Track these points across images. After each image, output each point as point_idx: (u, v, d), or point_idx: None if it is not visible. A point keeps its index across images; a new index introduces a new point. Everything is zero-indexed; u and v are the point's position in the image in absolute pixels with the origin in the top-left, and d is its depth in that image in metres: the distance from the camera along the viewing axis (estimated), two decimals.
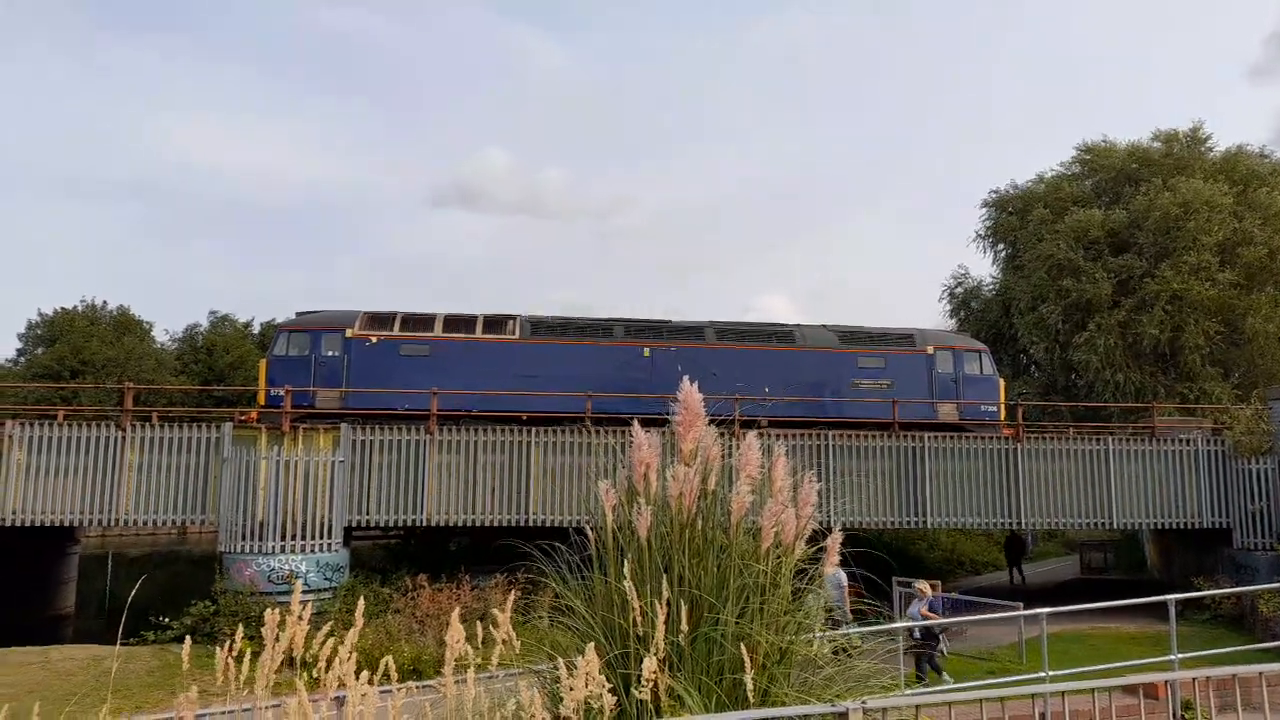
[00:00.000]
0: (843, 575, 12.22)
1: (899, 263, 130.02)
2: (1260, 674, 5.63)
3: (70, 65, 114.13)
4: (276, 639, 3.97)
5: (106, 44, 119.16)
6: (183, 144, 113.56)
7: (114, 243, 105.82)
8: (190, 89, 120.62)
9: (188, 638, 4.28)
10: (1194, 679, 6.00)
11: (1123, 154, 35.18)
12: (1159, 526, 22.99)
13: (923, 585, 15.65)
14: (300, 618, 3.99)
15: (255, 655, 3.97)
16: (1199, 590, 17.86)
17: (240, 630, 4.13)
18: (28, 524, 18.48)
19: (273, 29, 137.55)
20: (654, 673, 3.98)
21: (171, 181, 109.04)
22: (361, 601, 4.53)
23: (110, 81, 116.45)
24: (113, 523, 19.06)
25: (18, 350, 52.48)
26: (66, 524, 19.06)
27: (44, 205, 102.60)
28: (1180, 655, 10.89)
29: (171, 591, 23.40)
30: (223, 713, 4.29)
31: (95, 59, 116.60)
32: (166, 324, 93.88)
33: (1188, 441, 22.65)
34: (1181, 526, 22.56)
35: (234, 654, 3.95)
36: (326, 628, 4.19)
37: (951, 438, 22.38)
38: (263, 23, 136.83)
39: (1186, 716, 10.09)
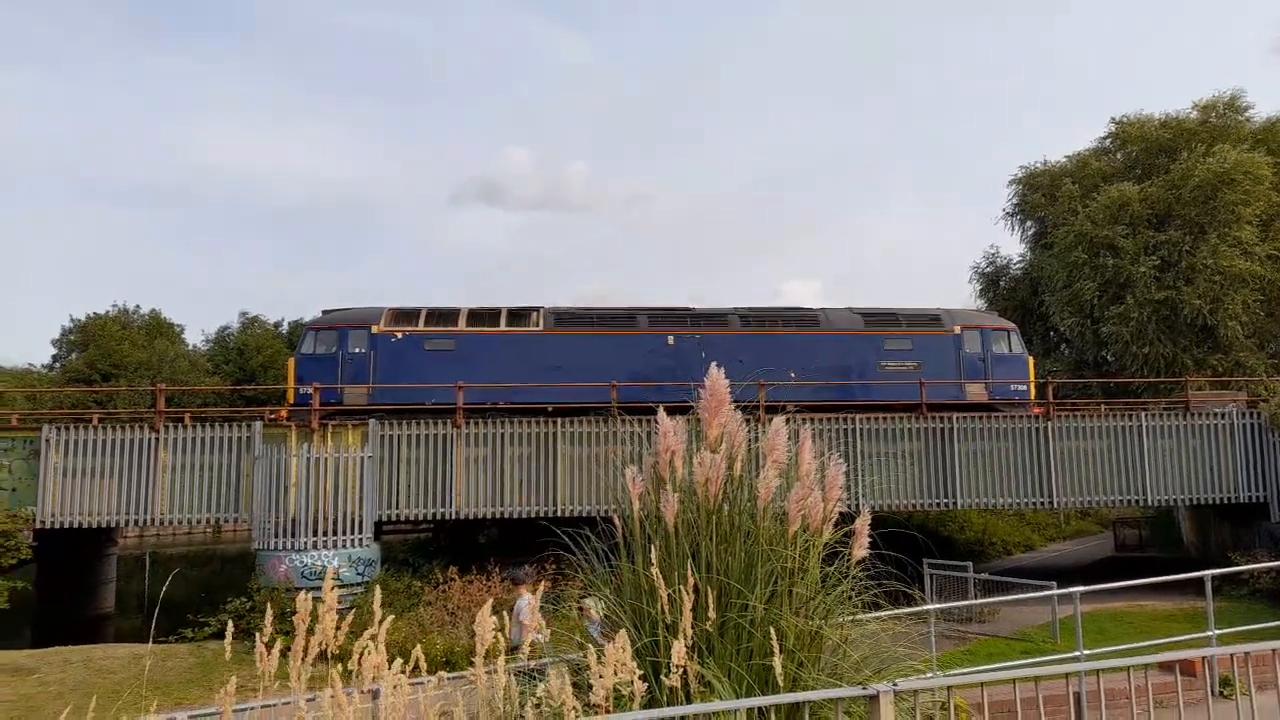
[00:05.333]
0: (520, 608, 8.94)
1: (929, 244, 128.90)
2: None
3: (99, 72, 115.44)
4: (310, 629, 4.01)
5: (140, 51, 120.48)
6: (208, 147, 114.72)
7: (147, 247, 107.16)
8: (217, 94, 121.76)
9: (229, 628, 4.33)
10: (1231, 655, 5.91)
11: (1156, 126, 34.47)
12: (1194, 502, 22.69)
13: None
14: (331, 608, 4.02)
15: (289, 649, 4.02)
16: (1236, 565, 17.63)
17: (269, 618, 4.16)
18: (66, 526, 18.82)
19: (295, 32, 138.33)
20: (683, 659, 3.98)
21: (199, 185, 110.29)
22: (379, 592, 4.57)
23: (140, 87, 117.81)
24: (149, 523, 19.37)
25: (53, 356, 53.33)
26: (103, 525, 19.39)
27: (77, 210, 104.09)
28: (1217, 631, 10.76)
29: (208, 589, 23.77)
30: (261, 706, 4.34)
31: (126, 66, 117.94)
32: (201, 326, 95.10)
33: (1222, 415, 22.31)
34: (1217, 502, 22.25)
35: (267, 645, 3.99)
36: (350, 617, 4.24)
37: (981, 418, 22.18)
38: (285, 26, 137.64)
39: (1224, 693, 9.97)
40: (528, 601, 10.86)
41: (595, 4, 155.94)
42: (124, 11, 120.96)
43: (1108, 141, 36.48)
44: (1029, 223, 37.88)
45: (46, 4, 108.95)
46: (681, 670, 4.03)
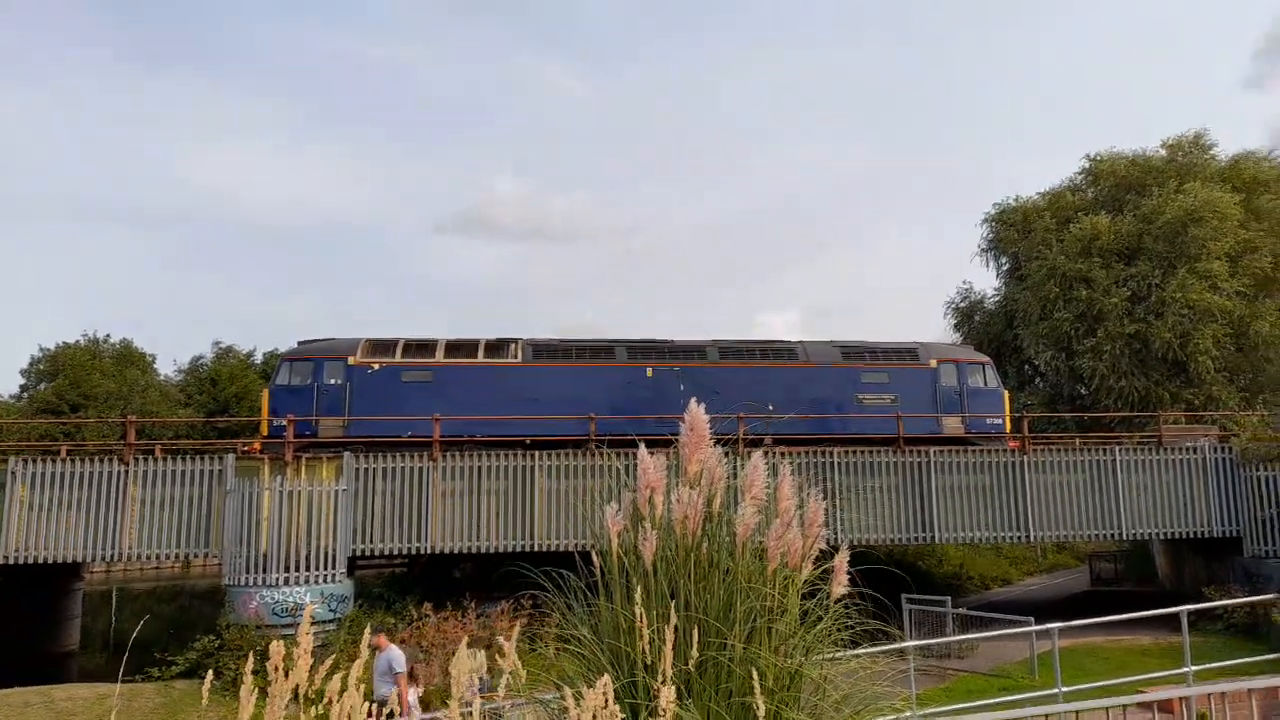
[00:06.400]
0: (396, 658, 10.11)
1: (905, 279, 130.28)
2: (1277, 688, 5.54)
3: (85, 94, 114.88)
4: (286, 674, 3.90)
5: (123, 74, 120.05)
6: (185, 174, 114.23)
7: (120, 274, 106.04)
8: (198, 119, 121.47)
9: (209, 674, 4.22)
10: (1209, 694, 5.91)
11: (1127, 163, 35.20)
12: (1168, 536, 22.85)
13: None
14: (306, 650, 3.92)
15: (263, 691, 3.91)
16: (1211, 600, 17.74)
17: (249, 664, 4.06)
18: (31, 561, 18.39)
19: (280, 59, 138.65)
20: (671, 702, 3.91)
21: (176, 212, 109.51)
22: (368, 632, 4.47)
23: (123, 111, 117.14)
24: (116, 558, 18.97)
25: (20, 386, 52.45)
26: (70, 560, 18.96)
27: (49, 236, 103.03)
28: (1194, 667, 10.78)
29: (176, 627, 23.28)
30: None
31: (112, 89, 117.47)
32: (173, 355, 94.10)
33: (1195, 450, 22.54)
34: (1191, 536, 22.41)
35: (239, 688, 3.87)
36: (330, 661, 4.14)
37: (957, 451, 22.28)
38: (269, 53, 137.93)
39: None
40: (396, 654, 10.49)
41: (591, 36, 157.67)
42: (111, 32, 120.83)
43: (1080, 177, 37.18)
44: (1003, 258, 38.39)
45: (39, 20, 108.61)
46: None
